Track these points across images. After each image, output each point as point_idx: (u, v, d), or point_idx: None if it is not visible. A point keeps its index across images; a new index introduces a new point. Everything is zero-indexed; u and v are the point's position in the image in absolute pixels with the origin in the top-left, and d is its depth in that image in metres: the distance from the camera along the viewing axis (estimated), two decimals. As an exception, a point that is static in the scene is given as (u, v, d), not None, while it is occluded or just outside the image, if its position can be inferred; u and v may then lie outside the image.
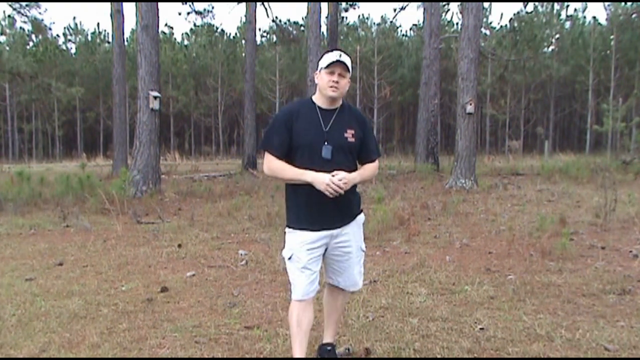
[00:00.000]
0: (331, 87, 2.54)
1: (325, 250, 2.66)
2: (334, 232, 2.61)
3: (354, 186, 2.65)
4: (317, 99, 2.64)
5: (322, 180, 2.46)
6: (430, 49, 17.35)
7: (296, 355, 2.62)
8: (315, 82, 2.65)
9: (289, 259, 2.62)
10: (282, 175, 2.58)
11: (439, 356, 2.95)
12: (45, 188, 10.59)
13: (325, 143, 2.53)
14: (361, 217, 2.76)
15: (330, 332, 2.90)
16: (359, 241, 2.75)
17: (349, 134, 2.59)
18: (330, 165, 2.51)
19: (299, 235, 2.59)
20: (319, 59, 2.65)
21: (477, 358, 2.92)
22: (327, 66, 2.54)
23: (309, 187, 2.51)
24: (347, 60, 2.55)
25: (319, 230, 2.58)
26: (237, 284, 4.42)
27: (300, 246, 2.58)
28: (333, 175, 2.47)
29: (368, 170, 2.71)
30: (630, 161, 14.76)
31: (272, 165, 2.59)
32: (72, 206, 8.77)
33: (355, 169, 2.63)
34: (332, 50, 2.62)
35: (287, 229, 2.67)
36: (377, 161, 2.76)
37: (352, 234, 2.68)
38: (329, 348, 2.87)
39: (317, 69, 2.64)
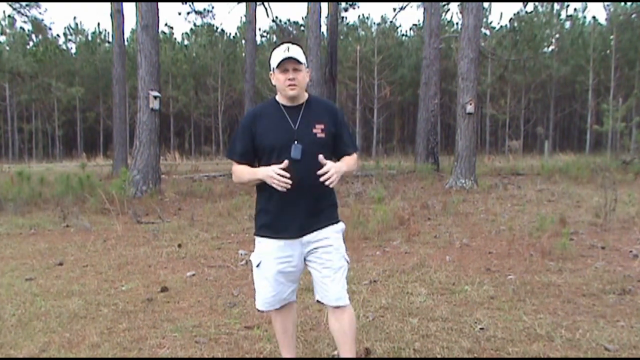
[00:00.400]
0: (289, 86, 2.34)
1: (306, 262, 2.46)
2: (304, 239, 2.38)
3: (329, 192, 2.45)
4: (280, 98, 2.44)
5: (266, 173, 2.28)
6: (430, 49, 17.35)
7: (285, 356, 2.62)
8: (271, 79, 2.45)
9: (257, 266, 2.46)
10: (242, 178, 2.43)
11: (439, 356, 2.95)
12: (45, 188, 10.59)
13: (295, 142, 2.32)
14: (339, 225, 2.49)
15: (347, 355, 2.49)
16: (340, 249, 2.44)
17: (318, 129, 2.37)
18: (301, 166, 2.29)
19: (266, 243, 2.42)
20: (269, 59, 2.45)
21: (477, 358, 2.92)
22: (278, 65, 2.35)
23: (273, 190, 2.31)
24: (296, 52, 2.33)
25: (285, 238, 2.38)
26: (237, 284, 4.42)
27: (268, 254, 2.42)
28: (320, 168, 2.27)
29: (350, 160, 2.47)
30: (630, 161, 14.77)
31: (235, 169, 2.46)
32: (72, 206, 8.77)
33: None
34: (279, 45, 2.41)
35: (255, 236, 2.50)
36: (355, 155, 2.52)
37: (330, 240, 2.41)
38: None
39: (270, 70, 2.42)
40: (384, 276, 4.57)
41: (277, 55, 2.35)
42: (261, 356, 2.99)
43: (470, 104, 11.58)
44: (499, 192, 10.60)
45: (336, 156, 2.47)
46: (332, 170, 2.28)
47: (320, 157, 2.29)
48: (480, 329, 3.31)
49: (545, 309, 3.67)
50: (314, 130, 2.37)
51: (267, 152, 2.37)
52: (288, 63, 2.33)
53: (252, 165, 2.44)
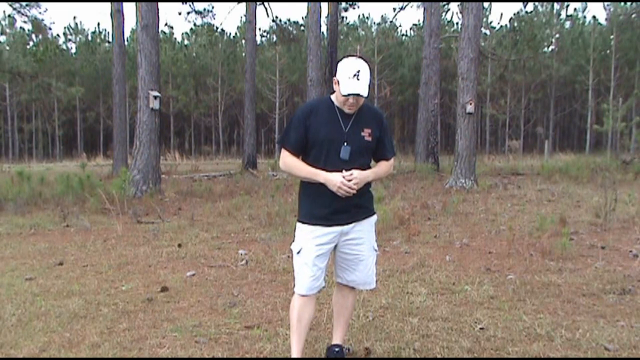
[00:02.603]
0: (349, 108, 2.55)
1: (335, 247, 2.67)
2: (344, 228, 2.61)
3: (368, 184, 2.65)
4: (336, 100, 2.61)
5: (335, 183, 2.47)
6: (430, 48, 17.34)
7: (293, 348, 2.67)
8: (334, 84, 2.61)
9: (298, 253, 2.63)
10: (296, 172, 2.61)
11: (439, 356, 2.95)
12: (46, 188, 10.58)
13: (345, 144, 2.53)
14: (374, 218, 2.75)
15: (339, 334, 2.88)
16: (371, 240, 2.73)
17: (366, 133, 2.59)
18: (347, 166, 2.51)
19: (309, 230, 2.60)
20: (338, 62, 2.59)
21: (477, 358, 2.92)
22: (344, 93, 2.47)
23: (324, 185, 2.53)
24: (365, 87, 2.45)
25: (329, 225, 2.58)
26: (237, 284, 4.42)
27: (309, 241, 2.59)
28: (345, 175, 2.48)
29: (382, 167, 2.72)
30: (630, 161, 14.77)
31: (287, 161, 2.62)
32: (72, 206, 8.77)
33: (369, 168, 2.62)
34: (350, 57, 2.53)
35: (298, 223, 2.68)
36: (392, 160, 2.76)
37: (364, 232, 2.67)
38: (337, 350, 2.85)
39: (335, 75, 2.56)
40: (384, 276, 4.57)
41: (347, 87, 2.45)
42: (261, 356, 2.99)
43: (470, 104, 11.58)
44: (499, 192, 10.60)
45: (375, 158, 2.71)
46: (354, 180, 2.48)
47: (346, 173, 2.50)
48: (480, 328, 3.32)
49: (545, 309, 3.67)
50: (362, 134, 2.58)
51: (317, 147, 2.56)
52: (354, 97, 2.50)
53: (300, 157, 2.62)
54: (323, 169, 2.52)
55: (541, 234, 5.77)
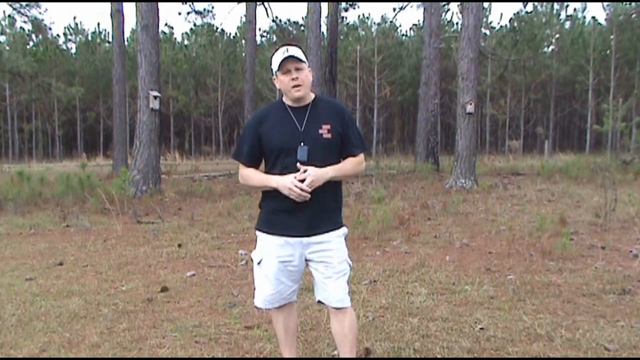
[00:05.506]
0: (294, 87, 2.32)
1: (307, 263, 2.45)
2: (304, 240, 2.36)
3: (335, 191, 2.43)
4: (286, 99, 2.43)
5: (285, 185, 2.27)
6: (430, 48, 17.35)
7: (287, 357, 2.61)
8: (275, 83, 2.45)
9: (258, 263, 2.46)
10: (251, 183, 2.44)
11: (439, 356, 2.95)
12: (46, 188, 10.58)
13: (302, 144, 2.31)
14: (343, 229, 2.47)
15: None
16: (342, 253, 2.43)
17: (324, 130, 2.35)
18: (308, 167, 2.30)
19: (267, 241, 2.42)
20: (270, 63, 2.45)
21: (477, 358, 2.92)
22: (279, 68, 2.34)
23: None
24: (296, 51, 2.32)
25: (287, 235, 2.36)
26: (237, 284, 4.42)
27: (269, 251, 2.41)
28: (297, 175, 2.28)
29: (347, 164, 2.42)
30: (630, 161, 14.76)
31: (243, 173, 2.47)
32: (72, 206, 8.78)
33: None
34: (278, 49, 2.38)
35: (256, 232, 2.50)
36: (361, 155, 2.47)
37: (332, 244, 2.39)
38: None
39: (273, 75, 2.42)
40: (384, 276, 4.57)
41: (278, 57, 2.33)
42: (261, 356, 2.99)
43: (470, 104, 11.58)
44: (499, 192, 10.60)
45: (342, 157, 2.45)
46: (309, 178, 2.26)
47: (298, 165, 2.29)
48: (480, 329, 3.31)
49: (545, 309, 3.67)
50: (320, 131, 2.35)
51: (273, 154, 2.36)
52: (289, 63, 2.31)
53: (258, 167, 2.45)
54: (281, 175, 2.32)
55: (541, 234, 5.76)
